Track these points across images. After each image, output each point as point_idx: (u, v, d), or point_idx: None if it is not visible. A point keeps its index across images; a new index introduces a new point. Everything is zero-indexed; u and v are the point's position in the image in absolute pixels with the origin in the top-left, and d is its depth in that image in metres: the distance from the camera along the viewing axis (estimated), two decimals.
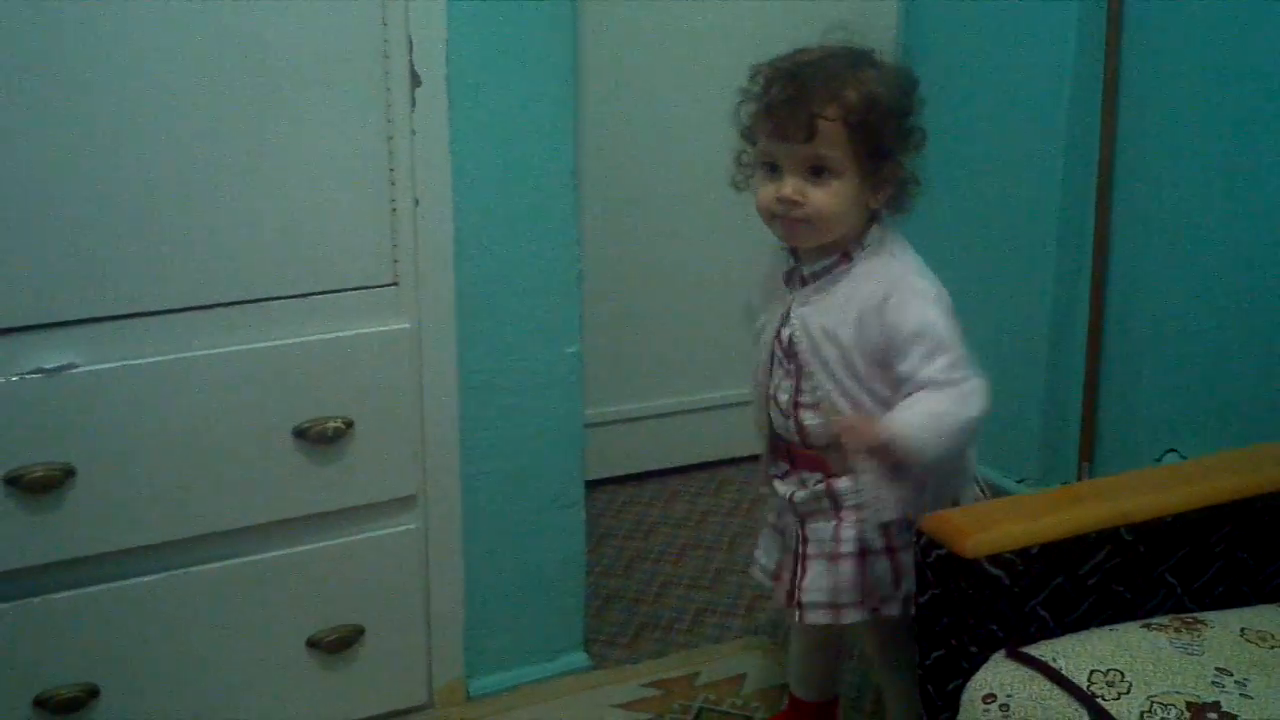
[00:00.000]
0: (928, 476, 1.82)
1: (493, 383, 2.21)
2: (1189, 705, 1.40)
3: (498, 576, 2.31)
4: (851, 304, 1.78)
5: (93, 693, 2.00)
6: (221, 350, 1.97)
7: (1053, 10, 2.83)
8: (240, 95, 1.91)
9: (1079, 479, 2.94)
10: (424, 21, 2.00)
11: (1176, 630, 1.54)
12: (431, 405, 2.15)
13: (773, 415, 1.87)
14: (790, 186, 1.75)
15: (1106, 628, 1.58)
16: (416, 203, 2.07)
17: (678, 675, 2.40)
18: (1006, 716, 1.48)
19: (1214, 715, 1.39)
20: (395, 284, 2.09)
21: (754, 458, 2.09)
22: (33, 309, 1.86)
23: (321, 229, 2.01)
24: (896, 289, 1.77)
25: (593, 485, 2.69)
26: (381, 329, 2.08)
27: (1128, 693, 1.43)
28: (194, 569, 2.03)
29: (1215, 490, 1.71)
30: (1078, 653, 1.51)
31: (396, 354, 2.10)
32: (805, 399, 1.83)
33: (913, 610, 1.73)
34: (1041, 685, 1.48)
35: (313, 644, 2.14)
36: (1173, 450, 2.75)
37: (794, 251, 1.86)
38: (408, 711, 2.28)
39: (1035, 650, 1.53)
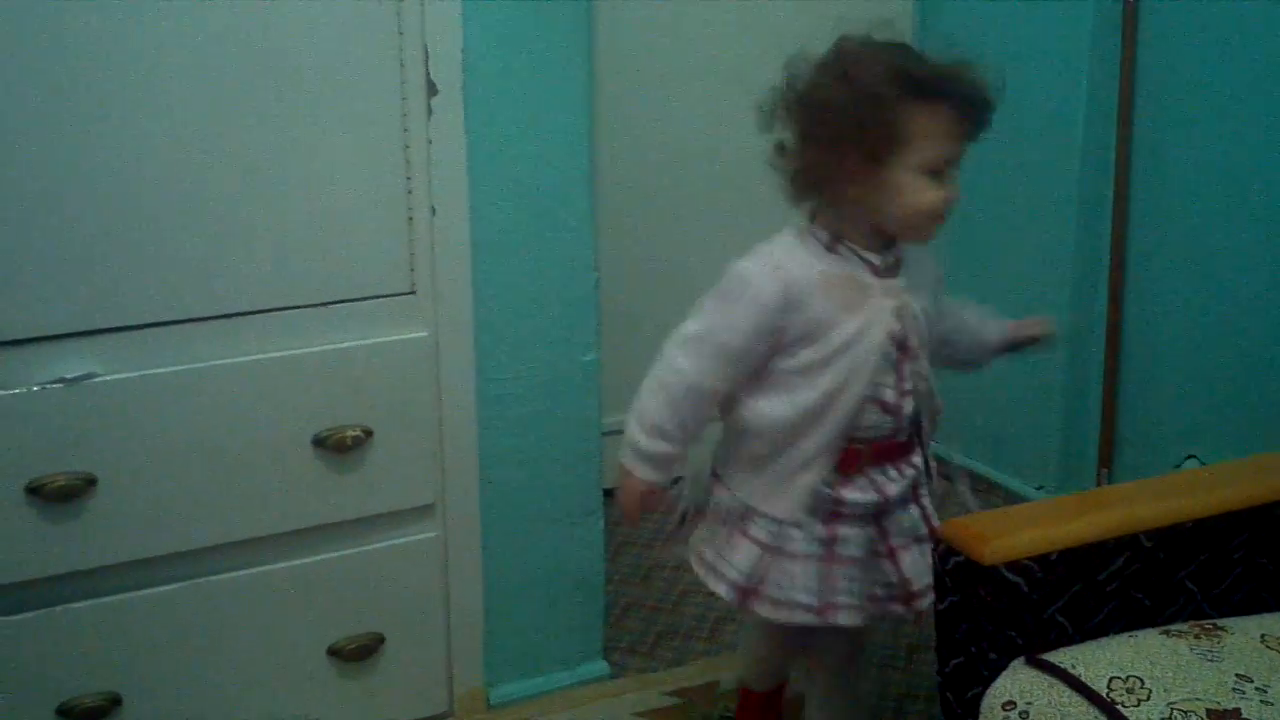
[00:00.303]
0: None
1: (510, 391, 2.21)
2: (1209, 712, 1.39)
3: (517, 584, 2.31)
4: (925, 280, 1.84)
5: (115, 701, 2.01)
6: (240, 360, 1.98)
7: (1068, 13, 2.83)
8: (258, 106, 1.92)
9: (1098, 486, 2.93)
10: (440, 31, 2.01)
11: (1196, 637, 1.54)
12: (450, 413, 2.16)
13: (870, 416, 1.78)
14: (957, 188, 1.76)
15: (1126, 634, 1.57)
16: (433, 211, 2.07)
17: (698, 684, 2.40)
18: None
19: None
20: (413, 293, 2.09)
21: None
22: (53, 319, 1.87)
23: (339, 238, 2.02)
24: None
25: (611, 493, 2.69)
26: (399, 338, 2.09)
27: (1147, 699, 1.43)
28: (215, 578, 2.04)
29: (1235, 496, 1.70)
30: (1097, 659, 1.50)
31: (414, 362, 2.11)
32: (906, 386, 1.79)
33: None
34: (1061, 692, 1.47)
35: (333, 652, 2.15)
36: (1192, 456, 2.74)
37: (868, 246, 1.78)
38: None
39: (1054, 657, 1.53)
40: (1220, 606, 1.69)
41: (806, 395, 1.76)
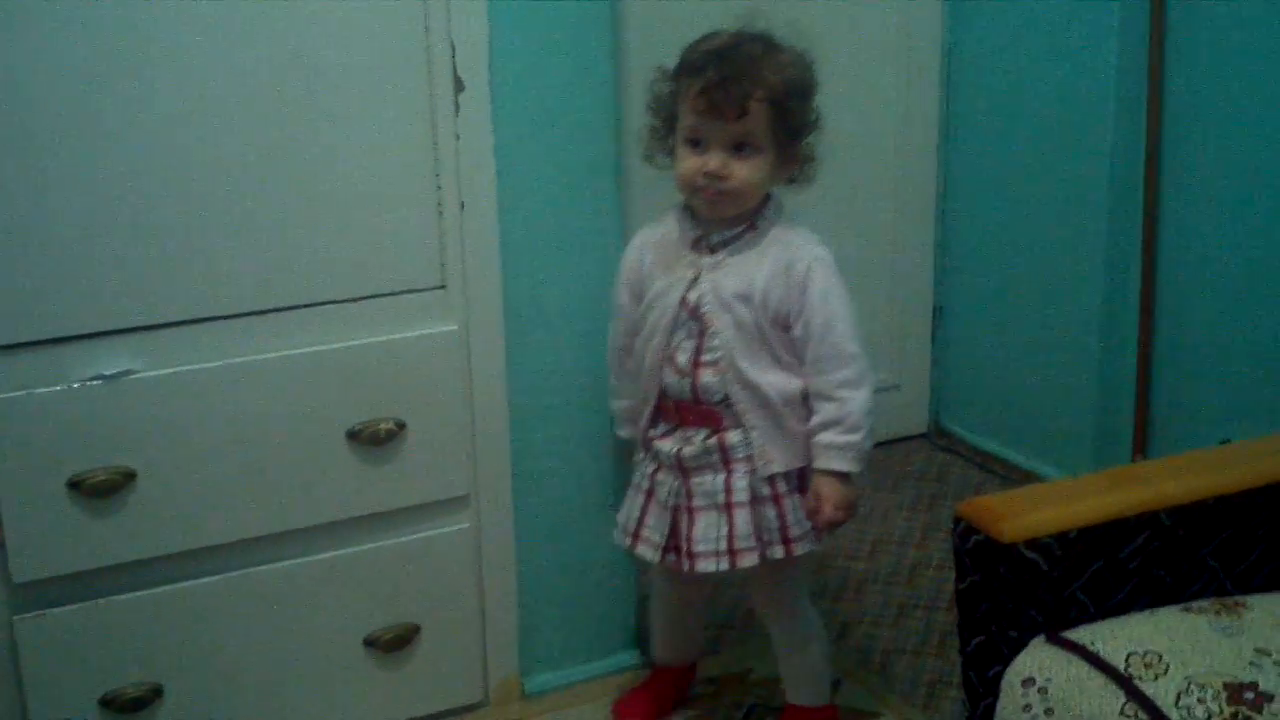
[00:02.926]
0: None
1: (542, 383, 2.24)
2: (1226, 685, 1.40)
3: (550, 575, 2.34)
4: (762, 268, 1.95)
5: (157, 691, 2.05)
6: (274, 354, 2.02)
7: (1096, 12, 2.83)
8: (289, 104, 1.96)
9: None
10: (466, 26, 2.04)
11: (1216, 613, 1.54)
12: (481, 406, 2.19)
13: (665, 376, 2.00)
14: (716, 161, 1.90)
15: (1146, 611, 1.58)
16: (462, 206, 2.10)
17: (730, 672, 2.42)
18: (1045, 699, 1.49)
19: (1251, 694, 1.39)
20: (443, 287, 2.13)
21: None
22: (92, 317, 1.91)
23: (370, 234, 2.05)
24: (801, 255, 1.95)
25: None
26: (430, 331, 2.12)
27: (1165, 674, 1.44)
28: (252, 570, 2.08)
29: (1257, 473, 1.70)
30: (1116, 636, 1.51)
31: (446, 356, 2.14)
32: (706, 358, 1.97)
33: (796, 554, 2.01)
34: (1080, 668, 1.49)
35: (370, 643, 2.18)
36: (1228, 440, 2.73)
37: (697, 221, 2.00)
38: (464, 709, 2.32)
39: (1074, 634, 1.54)
40: (1243, 584, 1.70)
41: (639, 339, 2.04)
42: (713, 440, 1.99)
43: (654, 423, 2.05)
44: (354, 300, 2.07)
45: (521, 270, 2.18)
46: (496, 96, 2.10)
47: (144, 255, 1.92)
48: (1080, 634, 1.54)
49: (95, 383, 1.92)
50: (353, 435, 2.08)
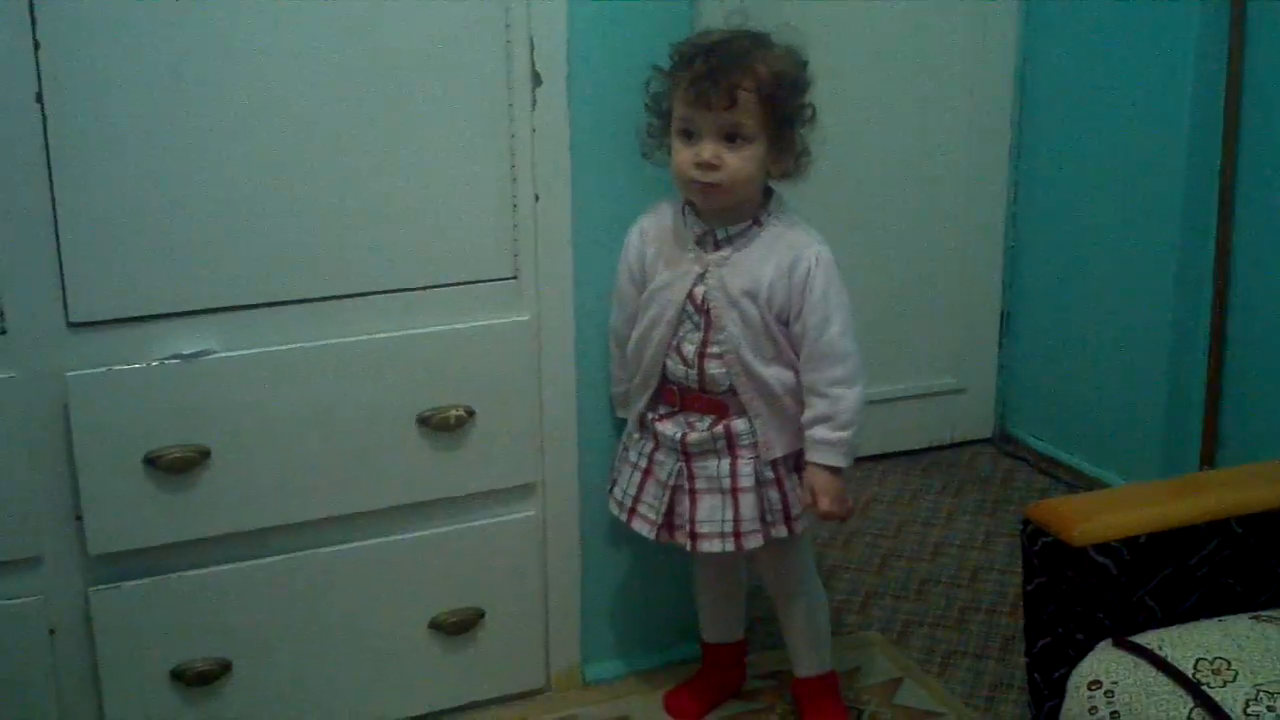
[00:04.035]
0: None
1: (608, 374, 2.25)
2: None
3: (613, 565, 2.36)
4: (768, 266, 2.00)
5: (226, 666, 2.08)
6: (349, 340, 2.05)
7: (1174, 13, 2.80)
8: (371, 97, 1.99)
9: None
10: (545, 23, 2.07)
11: None
12: (550, 396, 2.21)
13: (670, 364, 2.06)
14: (708, 150, 1.95)
15: (1214, 619, 1.57)
16: (537, 198, 2.13)
17: (783, 668, 2.40)
18: (1111, 703, 1.49)
19: None
20: (515, 277, 2.15)
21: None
22: (172, 297, 1.95)
23: (446, 224, 2.08)
24: (805, 255, 1.99)
25: None
26: (502, 321, 2.14)
27: (1233, 681, 1.43)
28: (322, 550, 2.11)
29: None
30: (1184, 641, 1.51)
31: (516, 345, 2.16)
32: (713, 350, 2.02)
33: (799, 531, 2.09)
34: (1147, 673, 1.48)
35: (435, 626, 2.21)
36: None
37: (701, 217, 2.04)
38: (525, 695, 2.34)
39: (1141, 639, 1.54)
40: None
41: (637, 328, 2.09)
42: (719, 428, 2.04)
43: (653, 405, 2.10)
44: (428, 288, 2.10)
45: (593, 263, 2.19)
46: (573, 92, 2.12)
47: (225, 239, 1.96)
48: (1148, 638, 1.53)
49: (174, 362, 1.96)
50: (423, 421, 2.11)
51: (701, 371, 2.03)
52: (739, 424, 2.04)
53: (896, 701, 2.31)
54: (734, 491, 2.05)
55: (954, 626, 2.60)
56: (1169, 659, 1.48)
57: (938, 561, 2.87)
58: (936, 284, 3.36)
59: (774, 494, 2.07)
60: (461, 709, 2.29)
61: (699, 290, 2.02)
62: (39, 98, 1.81)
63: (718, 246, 2.02)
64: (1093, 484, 3.12)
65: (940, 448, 3.47)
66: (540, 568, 2.28)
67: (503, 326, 2.15)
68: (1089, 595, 1.59)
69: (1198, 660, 1.47)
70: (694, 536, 2.07)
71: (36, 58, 1.80)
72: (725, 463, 2.05)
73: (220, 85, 1.91)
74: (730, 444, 2.05)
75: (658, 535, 2.10)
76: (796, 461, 2.08)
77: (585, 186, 2.16)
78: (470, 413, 2.13)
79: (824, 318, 1.99)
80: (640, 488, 2.12)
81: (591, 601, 2.35)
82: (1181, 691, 1.44)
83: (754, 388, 2.02)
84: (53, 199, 1.85)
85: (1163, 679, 1.46)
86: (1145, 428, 3.02)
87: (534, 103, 2.09)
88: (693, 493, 2.06)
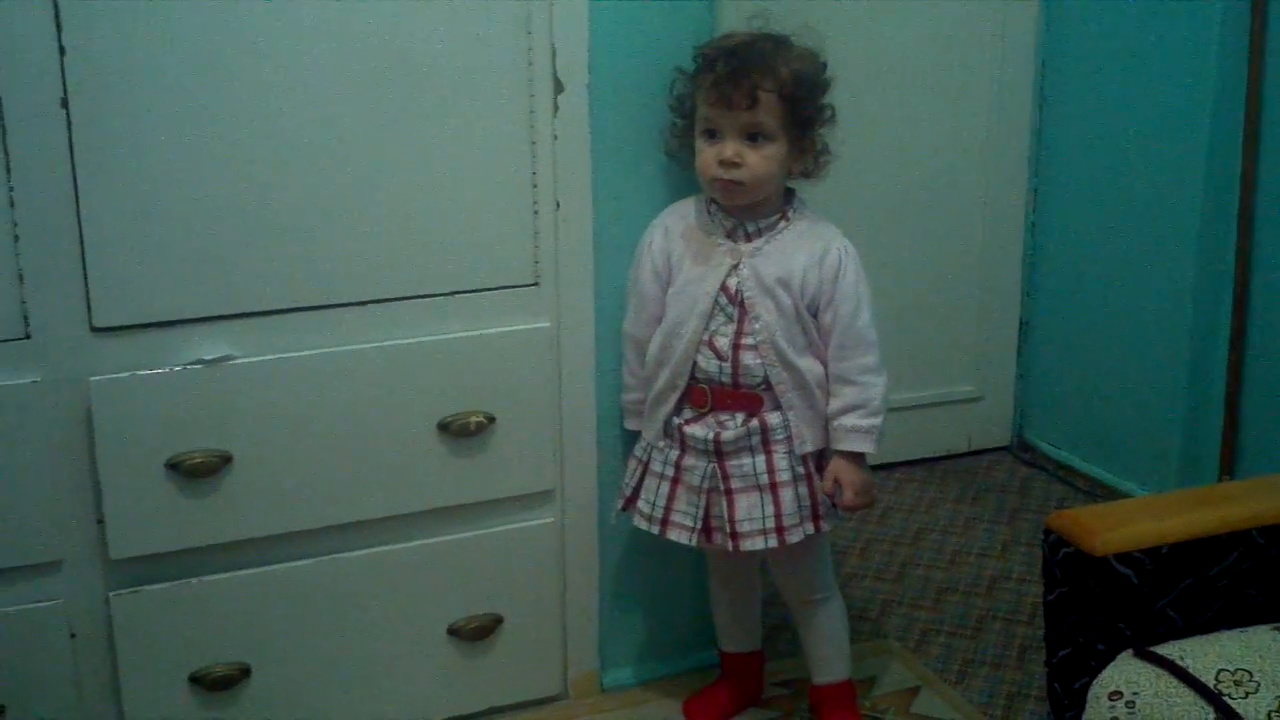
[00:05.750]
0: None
1: (621, 381, 2.25)
2: None
3: (632, 572, 2.36)
4: (799, 253, 2.05)
5: (245, 671, 2.09)
6: (370, 345, 2.06)
7: (1194, 22, 2.80)
8: (392, 103, 2.00)
9: None
10: (567, 30, 2.07)
11: None
12: (570, 402, 2.21)
13: (701, 359, 2.06)
14: (731, 148, 2.00)
15: (1236, 630, 1.57)
16: (558, 205, 2.13)
17: (801, 676, 2.40)
18: (1132, 713, 1.49)
19: None
20: (536, 284, 2.15)
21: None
22: (194, 303, 1.96)
23: (467, 230, 2.09)
24: (833, 246, 2.05)
25: None
26: (522, 328, 2.15)
27: (1256, 692, 1.43)
28: (342, 555, 2.12)
29: None
30: (1205, 652, 1.51)
31: (537, 352, 2.17)
32: (747, 340, 2.05)
33: (824, 529, 2.10)
34: (1168, 683, 1.48)
35: (453, 631, 2.21)
36: None
37: (729, 213, 2.07)
38: (543, 701, 2.34)
39: (1163, 649, 1.53)
40: None
41: (664, 325, 2.10)
42: (754, 422, 2.05)
43: (679, 409, 2.10)
44: (449, 295, 2.10)
45: (614, 270, 2.19)
46: (595, 99, 2.12)
47: (247, 245, 1.96)
48: (1169, 649, 1.53)
49: (196, 367, 1.96)
50: (443, 427, 2.11)
51: (736, 363, 2.05)
52: (772, 417, 2.06)
53: (914, 710, 2.31)
54: (773, 487, 2.06)
55: (971, 635, 2.60)
56: (1190, 670, 1.48)
57: (955, 570, 2.86)
58: (955, 291, 3.36)
59: (805, 489, 2.08)
60: (479, 715, 2.29)
61: (732, 281, 2.05)
62: (64, 103, 1.83)
63: (749, 239, 2.06)
64: (1111, 493, 3.11)
65: (958, 455, 3.47)
66: (559, 574, 2.28)
67: (523, 333, 2.15)
68: (1110, 605, 1.59)
69: (1219, 671, 1.47)
70: (735, 536, 2.06)
71: (62, 63, 1.81)
72: (760, 459, 2.06)
73: (243, 92, 1.91)
74: (765, 439, 2.06)
75: (697, 541, 2.10)
76: (818, 460, 2.09)
77: (606, 193, 2.17)
78: (490, 419, 2.14)
79: (856, 306, 2.04)
80: (671, 497, 2.11)
81: (609, 608, 2.35)
82: (1203, 703, 1.44)
83: (789, 378, 2.04)
84: (77, 204, 1.86)
85: (1184, 690, 1.46)
86: (1164, 437, 3.01)
87: (555, 109, 2.10)
88: (729, 493, 2.06)
